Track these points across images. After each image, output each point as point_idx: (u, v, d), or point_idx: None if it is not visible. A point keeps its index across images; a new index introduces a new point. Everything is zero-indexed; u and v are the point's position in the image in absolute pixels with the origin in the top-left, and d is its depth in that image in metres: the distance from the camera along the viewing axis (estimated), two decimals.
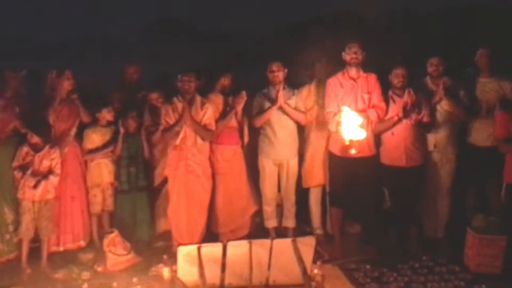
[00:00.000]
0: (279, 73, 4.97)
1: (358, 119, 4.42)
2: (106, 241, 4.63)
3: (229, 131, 4.98)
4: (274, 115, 5.00)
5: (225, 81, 5.00)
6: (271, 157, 5.09)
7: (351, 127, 4.39)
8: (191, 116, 4.69)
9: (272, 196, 5.17)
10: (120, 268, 4.57)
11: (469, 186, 5.13)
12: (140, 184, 5.01)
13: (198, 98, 4.80)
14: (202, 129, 4.74)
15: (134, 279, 4.34)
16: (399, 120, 4.72)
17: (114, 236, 4.64)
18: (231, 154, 5.00)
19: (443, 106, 4.92)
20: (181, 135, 4.71)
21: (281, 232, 5.17)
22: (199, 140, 4.76)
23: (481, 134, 4.95)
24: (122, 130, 4.84)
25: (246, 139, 5.11)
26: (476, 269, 4.42)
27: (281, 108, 4.97)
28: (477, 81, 5.03)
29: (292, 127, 5.06)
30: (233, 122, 4.97)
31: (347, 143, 4.45)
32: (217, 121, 4.86)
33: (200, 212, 4.83)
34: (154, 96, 5.04)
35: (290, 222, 5.19)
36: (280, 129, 5.01)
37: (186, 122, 4.68)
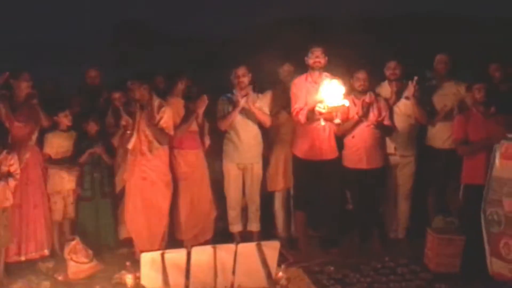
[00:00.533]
0: (244, 78, 4.97)
1: (340, 87, 4.44)
2: (67, 249, 4.53)
3: (190, 135, 4.93)
4: (238, 119, 5.00)
5: (182, 84, 4.94)
6: (235, 161, 5.08)
7: (334, 96, 4.39)
8: (143, 120, 4.61)
9: (237, 200, 5.16)
10: (82, 276, 4.47)
11: (429, 187, 5.25)
12: (105, 190, 4.94)
13: (156, 102, 4.71)
14: (159, 133, 4.65)
15: (97, 287, 4.26)
16: (359, 119, 4.80)
17: (75, 244, 4.54)
18: (193, 159, 4.96)
19: (401, 109, 5.04)
20: (132, 140, 4.64)
21: (245, 236, 5.17)
22: (155, 145, 4.67)
23: (440, 137, 5.07)
24: (95, 127, 4.81)
25: (207, 143, 5.08)
26: (436, 268, 4.52)
27: (246, 112, 4.97)
28: (435, 85, 5.17)
29: (257, 131, 5.07)
30: (194, 126, 4.93)
31: (322, 123, 4.49)
32: (178, 125, 4.82)
33: (159, 219, 4.76)
34: (116, 95, 4.96)
35: (254, 226, 5.19)
36: (245, 133, 5.01)
37: (138, 126, 4.62)
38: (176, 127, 4.80)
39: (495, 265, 4.34)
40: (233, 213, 5.16)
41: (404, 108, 5.02)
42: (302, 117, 4.70)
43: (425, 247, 4.72)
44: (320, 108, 4.46)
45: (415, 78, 4.87)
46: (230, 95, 5.05)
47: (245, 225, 5.22)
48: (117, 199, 5.00)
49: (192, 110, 4.87)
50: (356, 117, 4.80)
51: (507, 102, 4.61)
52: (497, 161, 4.32)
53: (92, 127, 4.85)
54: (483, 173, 4.47)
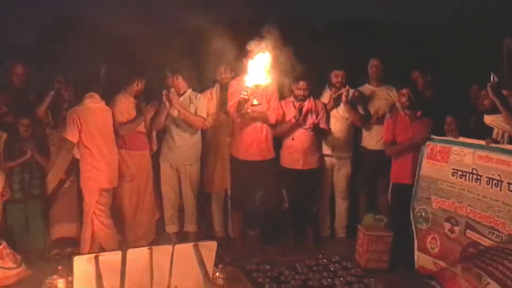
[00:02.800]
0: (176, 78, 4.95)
1: (265, 65, 4.48)
2: None
3: (137, 135, 4.87)
4: (173, 120, 4.97)
5: (138, 85, 4.84)
6: (169, 161, 5.07)
7: (258, 72, 4.43)
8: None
9: (172, 200, 5.14)
10: (9, 283, 4.27)
11: (361, 186, 5.46)
12: (34, 192, 4.75)
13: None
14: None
15: None
16: (297, 122, 4.91)
17: (1, 248, 4.32)
18: (140, 159, 4.90)
19: (340, 112, 5.21)
20: None
21: (182, 237, 5.15)
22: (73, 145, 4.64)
23: (372, 138, 5.30)
24: (28, 154, 4.60)
25: (154, 146, 5.03)
26: (366, 264, 4.71)
27: (176, 114, 4.93)
28: (368, 89, 5.39)
29: (191, 132, 5.03)
30: (141, 127, 4.88)
31: (249, 110, 4.55)
32: (123, 124, 4.76)
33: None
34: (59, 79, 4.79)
35: (191, 226, 5.18)
36: (178, 135, 4.99)
37: None
38: (120, 126, 4.74)
39: (420, 259, 4.60)
40: (168, 214, 5.14)
41: (343, 112, 5.20)
42: (233, 112, 4.77)
43: (356, 244, 4.91)
44: (244, 94, 4.52)
45: (347, 86, 5.07)
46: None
47: (182, 225, 5.21)
48: (48, 200, 4.85)
49: (141, 113, 4.81)
50: (293, 120, 4.91)
51: (431, 106, 4.88)
52: (423, 161, 4.58)
53: (24, 129, 4.63)
54: (409, 173, 4.73)
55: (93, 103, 4.59)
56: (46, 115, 4.79)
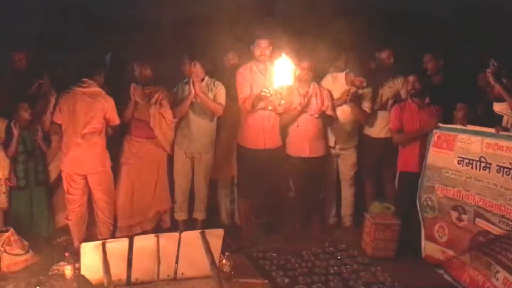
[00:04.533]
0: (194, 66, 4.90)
1: (289, 64, 4.40)
2: (0, 240, 4.31)
3: (137, 124, 4.87)
4: (190, 108, 4.92)
5: (143, 70, 4.81)
6: (183, 149, 5.03)
7: (281, 75, 4.38)
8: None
9: (183, 188, 5.12)
10: (17, 269, 4.29)
11: (366, 174, 5.42)
12: (39, 178, 4.75)
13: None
14: None
15: (33, 280, 4.09)
16: (302, 110, 4.87)
17: (9, 235, 4.34)
18: (137, 146, 4.89)
19: (344, 107, 5.09)
20: None
21: (190, 224, 5.14)
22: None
23: (376, 126, 5.24)
24: (15, 131, 4.54)
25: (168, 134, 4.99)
26: (373, 253, 4.70)
27: (197, 101, 4.88)
28: (376, 78, 5.33)
29: (207, 121, 4.98)
30: (145, 115, 4.83)
31: (270, 108, 4.57)
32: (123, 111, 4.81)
33: None
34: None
35: (200, 214, 5.17)
36: (195, 123, 4.95)
37: None
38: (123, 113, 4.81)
39: (428, 248, 4.59)
40: (179, 201, 5.13)
41: (347, 107, 5.11)
42: (248, 106, 4.72)
43: (362, 232, 4.90)
44: (265, 92, 4.48)
45: (353, 89, 4.94)
46: (185, 82, 4.98)
47: (190, 213, 5.20)
48: (52, 187, 4.86)
49: (129, 98, 4.78)
50: (299, 108, 4.87)
51: (439, 93, 4.83)
52: (430, 149, 4.55)
53: (25, 118, 4.62)
54: (417, 161, 4.70)
55: (80, 87, 4.61)
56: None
